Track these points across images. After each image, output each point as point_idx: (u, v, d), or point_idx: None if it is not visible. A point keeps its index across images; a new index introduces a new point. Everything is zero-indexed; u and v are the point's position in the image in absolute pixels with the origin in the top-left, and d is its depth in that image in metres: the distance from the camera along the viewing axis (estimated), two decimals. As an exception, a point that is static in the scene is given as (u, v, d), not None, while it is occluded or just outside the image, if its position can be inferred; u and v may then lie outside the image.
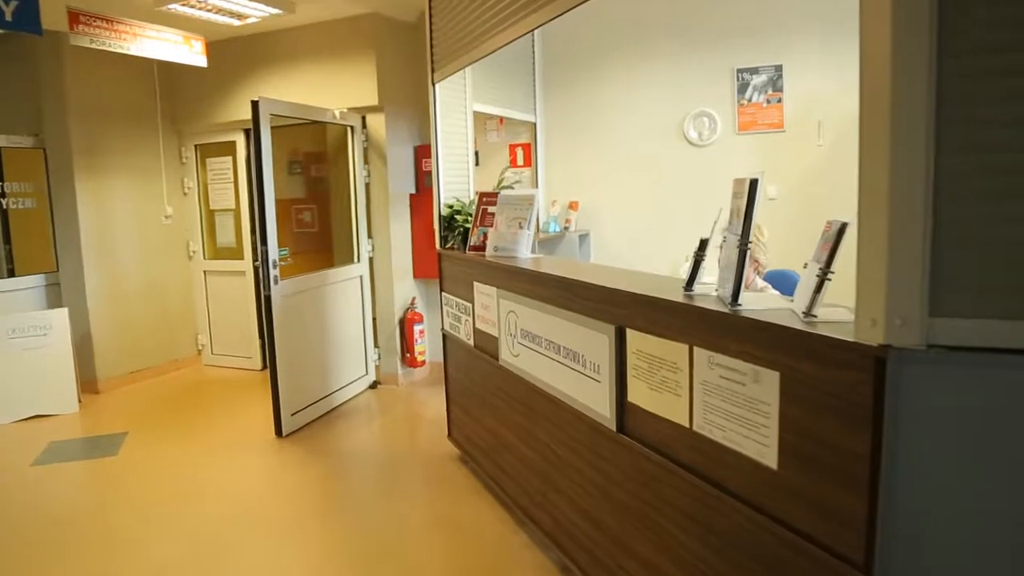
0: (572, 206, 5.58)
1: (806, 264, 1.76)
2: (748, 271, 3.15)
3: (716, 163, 5.14)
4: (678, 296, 2.05)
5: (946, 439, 1.32)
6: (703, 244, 2.11)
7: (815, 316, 1.62)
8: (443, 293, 4.15)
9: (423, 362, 5.89)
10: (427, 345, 5.94)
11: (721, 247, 3.19)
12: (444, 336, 4.21)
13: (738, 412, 1.76)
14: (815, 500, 1.56)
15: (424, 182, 5.89)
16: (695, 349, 1.92)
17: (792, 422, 1.61)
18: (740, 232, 1.81)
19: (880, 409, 1.38)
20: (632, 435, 2.25)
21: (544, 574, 2.93)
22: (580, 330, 2.47)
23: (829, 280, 1.60)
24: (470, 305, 3.71)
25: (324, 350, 5.19)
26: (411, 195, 5.85)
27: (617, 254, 5.52)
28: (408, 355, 5.80)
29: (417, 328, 5.78)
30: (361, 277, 5.69)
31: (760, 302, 1.86)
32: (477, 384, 3.71)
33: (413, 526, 3.39)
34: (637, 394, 2.20)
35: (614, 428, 2.32)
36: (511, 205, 3.50)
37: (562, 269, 2.81)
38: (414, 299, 5.87)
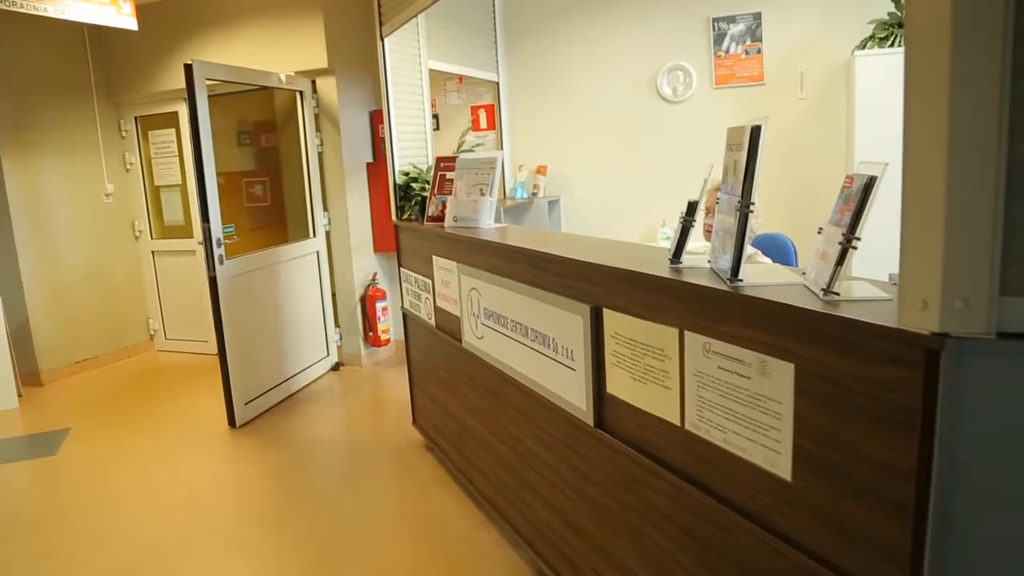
0: (540, 171, 5.23)
1: (820, 229, 1.45)
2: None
3: (692, 120, 4.81)
4: (663, 270, 1.73)
5: (1021, 454, 1.02)
6: (691, 207, 1.78)
7: (837, 294, 1.31)
8: (402, 268, 3.80)
9: (387, 341, 5.55)
10: (391, 323, 5.60)
11: (707, 211, 2.89)
12: (404, 315, 3.87)
13: (742, 411, 1.46)
14: (841, 522, 1.27)
15: (381, 150, 5.47)
16: (687, 334, 1.61)
17: (811, 426, 1.30)
18: (740, 192, 1.48)
19: (931, 414, 1.08)
20: (613, 431, 1.95)
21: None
22: (550, 310, 2.15)
23: (854, 249, 1.29)
24: (430, 282, 3.37)
25: (280, 333, 4.83)
26: (368, 164, 5.46)
27: (589, 221, 5.19)
28: (371, 334, 5.46)
29: (380, 305, 5.43)
30: (317, 253, 5.31)
31: (764, 275, 1.55)
32: (440, 368, 3.39)
33: (376, 524, 3.08)
34: (617, 384, 1.89)
35: (591, 423, 2.01)
36: (471, 170, 3.14)
37: (528, 240, 2.48)
38: (375, 275, 5.51)
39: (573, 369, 2.06)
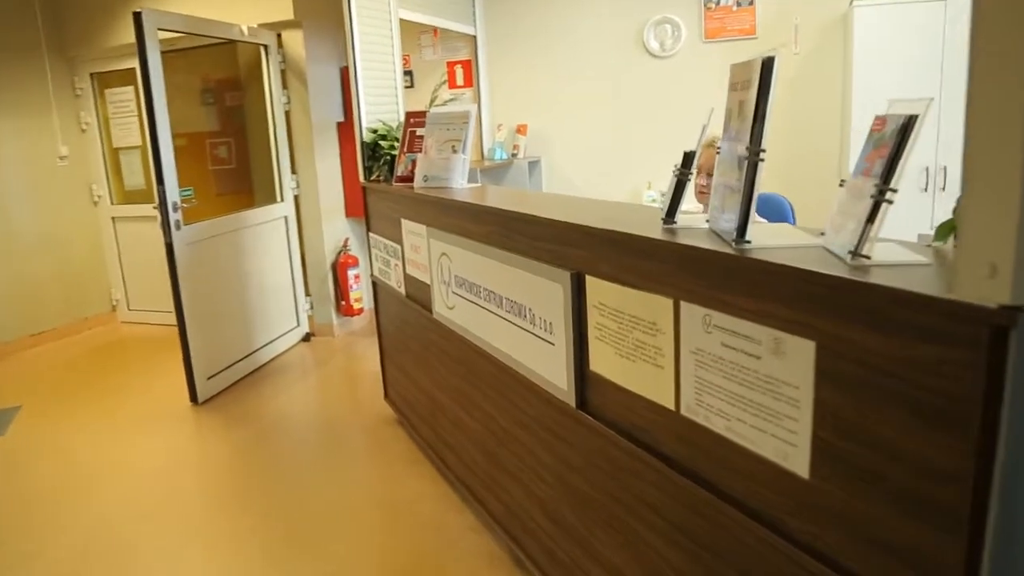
0: (520, 130, 4.95)
1: (842, 181, 1.22)
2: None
3: (680, 76, 4.54)
4: (655, 231, 1.50)
5: (1112, 456, 0.81)
6: (687, 159, 1.55)
7: (867, 258, 1.08)
8: (370, 234, 3.55)
9: (360, 310, 5.31)
10: (364, 291, 5.35)
11: (699, 171, 2.65)
12: (374, 284, 3.63)
13: (749, 396, 1.24)
14: (871, 530, 1.06)
15: (353, 108, 5.17)
16: (683, 305, 1.38)
17: (834, 415, 1.09)
18: (749, 138, 1.25)
19: (994, 405, 0.86)
20: (596, 414, 1.73)
21: (493, 564, 2.45)
22: (526, 278, 1.92)
23: (889, 203, 1.06)
24: (399, 247, 3.12)
25: (246, 302, 4.56)
26: (338, 123, 5.16)
27: (572, 182, 4.94)
28: (343, 303, 5.21)
29: (352, 273, 5.18)
30: (286, 218, 5.03)
31: (775, 237, 1.32)
32: (411, 340, 3.15)
33: (344, 506, 2.87)
34: (602, 362, 1.67)
35: (573, 403, 1.79)
36: (442, 125, 2.88)
37: (501, 200, 2.24)
38: (347, 240, 5.24)
39: (552, 344, 1.84)
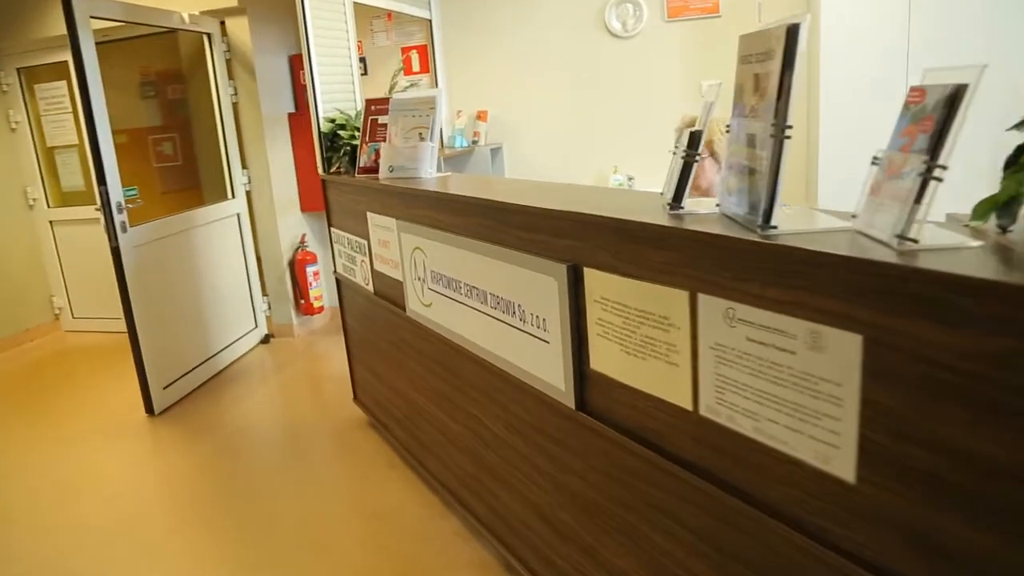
0: (480, 116, 4.81)
1: (875, 157, 1.12)
2: (715, 178, 2.53)
3: (643, 57, 4.45)
4: (662, 217, 1.39)
5: None
6: (694, 139, 1.44)
7: (914, 242, 0.99)
8: (332, 229, 3.37)
9: (321, 308, 5.11)
10: (324, 288, 5.15)
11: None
12: (338, 281, 3.46)
13: (781, 394, 1.14)
14: (929, 537, 0.97)
15: (304, 98, 4.96)
16: (701, 298, 1.27)
17: (884, 414, 1.00)
18: (773, 114, 1.14)
19: (1087, 403, 0.77)
20: (599, 415, 1.62)
21: (485, 571, 2.33)
22: (515, 272, 1.79)
23: (938, 181, 0.97)
24: (365, 243, 2.96)
25: (201, 305, 4.34)
26: (290, 115, 4.93)
27: (535, 169, 4.82)
28: (303, 302, 5.00)
29: (310, 270, 4.97)
30: (238, 215, 4.80)
31: (799, 221, 1.22)
32: (382, 339, 3.00)
33: (319, 518, 2.72)
34: (605, 360, 1.56)
35: (572, 405, 1.68)
36: (407, 112, 2.72)
37: (480, 189, 2.10)
38: (304, 236, 5.04)
39: (546, 342, 1.72)
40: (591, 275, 1.54)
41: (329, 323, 5.29)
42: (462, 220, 2.05)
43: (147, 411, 3.83)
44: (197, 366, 4.21)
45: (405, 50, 4.86)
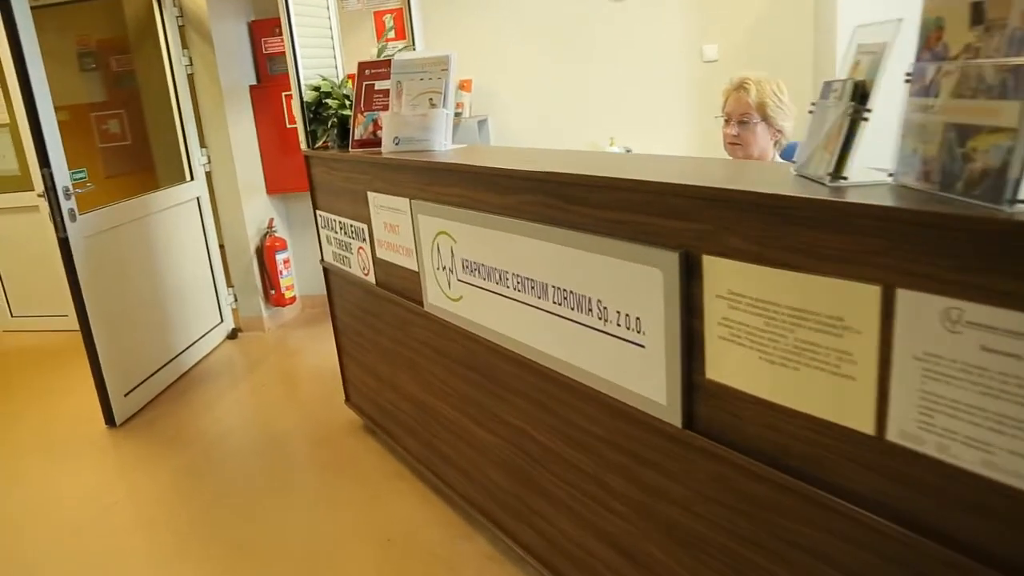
0: (464, 87, 4.42)
1: None
2: (767, 145, 2.25)
3: (639, 19, 4.13)
4: (821, 191, 1.09)
5: None
6: (861, 92, 1.12)
7: None
8: (318, 212, 2.99)
9: (293, 299, 4.70)
10: (295, 277, 4.74)
11: (728, 119, 2.25)
12: (326, 271, 3.08)
13: (1051, 423, 0.86)
14: None
15: (267, 68, 4.51)
16: (901, 294, 0.98)
17: None
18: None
19: None
20: (717, 435, 1.32)
21: (528, 603, 2.04)
22: (597, 261, 1.47)
23: None
24: (364, 227, 2.59)
25: (161, 300, 3.89)
26: (251, 87, 4.47)
27: (523, 142, 4.47)
28: (273, 292, 4.58)
29: (280, 257, 4.55)
30: (198, 199, 4.34)
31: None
32: (385, 336, 2.65)
33: (320, 541, 2.37)
34: (732, 369, 1.25)
35: (676, 421, 1.38)
36: (414, 75, 2.35)
37: (529, 161, 1.76)
38: (272, 221, 4.60)
39: (639, 346, 1.41)
40: (715, 265, 1.23)
41: (302, 314, 4.88)
42: (512, 199, 1.71)
43: (107, 422, 3.39)
44: (160, 368, 3.78)
45: (378, 15, 4.44)
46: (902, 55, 1.08)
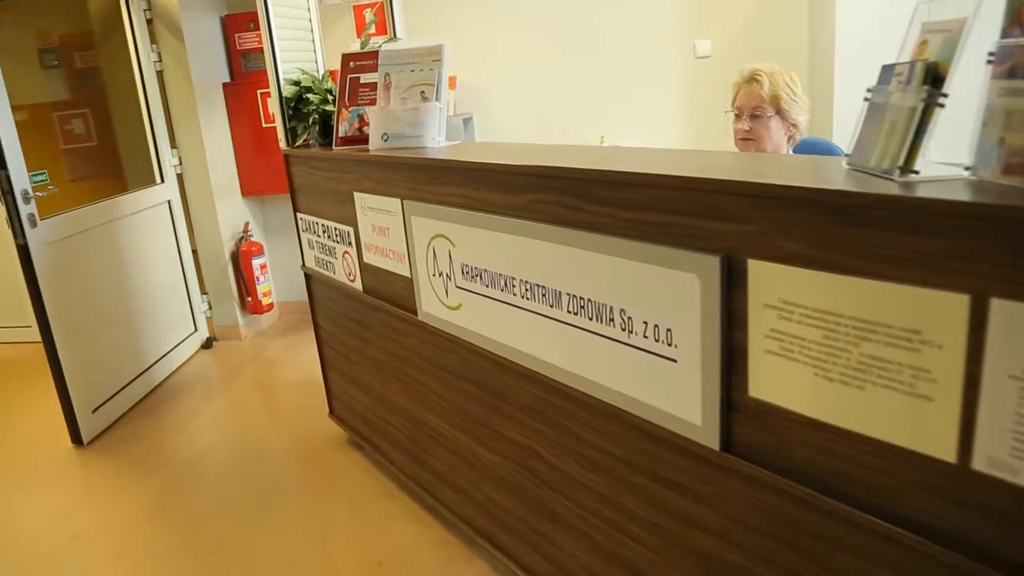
0: (448, 83, 4.27)
1: None
2: (781, 140, 2.13)
3: (629, 17, 4.01)
4: (892, 187, 0.96)
5: None
6: (932, 74, 1.00)
7: None
8: (299, 214, 2.82)
9: (270, 305, 4.51)
10: (273, 283, 4.55)
11: (739, 113, 2.12)
12: (308, 277, 2.91)
13: None
14: None
15: (241, 65, 4.32)
16: (996, 304, 0.85)
17: None
18: None
19: None
20: (761, 460, 1.19)
21: (534, 632, 1.89)
22: (623, 267, 1.33)
23: None
24: (349, 230, 2.43)
25: (130, 309, 3.68)
26: (225, 84, 4.28)
27: (510, 140, 4.33)
28: (249, 299, 4.39)
29: (257, 263, 4.36)
30: (169, 202, 4.13)
31: None
32: (374, 346, 2.49)
33: (313, 566, 2.21)
34: (781, 386, 1.12)
35: (714, 444, 1.24)
36: (403, 66, 2.20)
37: (536, 157, 1.61)
38: (247, 224, 4.41)
39: (671, 360, 1.27)
40: (763, 270, 1.10)
41: (280, 321, 4.69)
42: (521, 198, 1.56)
43: (73, 441, 3.19)
44: (131, 382, 3.57)
45: (358, 9, 4.27)
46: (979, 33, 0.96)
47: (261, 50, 4.17)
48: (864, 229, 0.96)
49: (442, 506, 2.32)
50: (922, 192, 0.92)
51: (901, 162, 1.00)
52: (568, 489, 1.68)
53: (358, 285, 2.47)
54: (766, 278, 1.10)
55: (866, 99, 1.12)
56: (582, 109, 4.20)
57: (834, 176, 1.08)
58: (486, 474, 2.01)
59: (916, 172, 0.99)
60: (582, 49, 4.10)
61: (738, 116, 2.07)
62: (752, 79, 2.03)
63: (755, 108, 2.02)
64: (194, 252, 4.29)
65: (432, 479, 2.35)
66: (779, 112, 2.02)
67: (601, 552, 1.63)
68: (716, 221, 1.15)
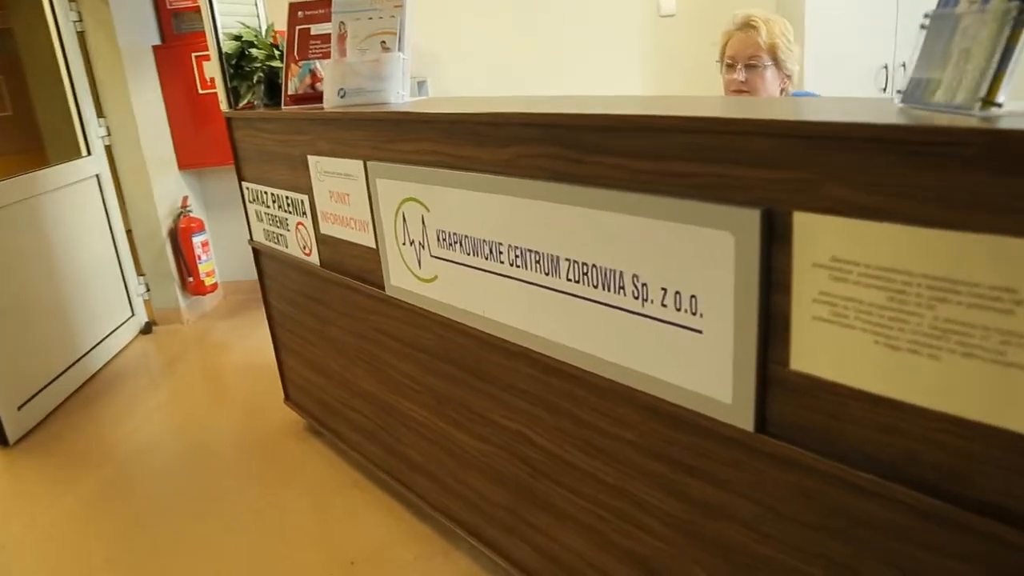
0: (399, 45, 4.02)
1: None
2: (776, 93, 1.99)
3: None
4: (971, 122, 0.81)
5: None
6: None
7: None
8: (244, 184, 2.57)
9: (214, 286, 4.22)
10: (216, 261, 4.26)
11: (731, 63, 1.98)
12: (256, 252, 2.67)
13: None
14: None
15: (173, 27, 3.98)
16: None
17: None
18: None
19: None
20: (803, 441, 1.04)
21: (523, 629, 1.74)
22: (635, 228, 1.16)
23: None
24: (303, 198, 2.21)
25: (58, 294, 3.36)
26: (155, 48, 3.93)
27: (466, 108, 4.11)
28: (191, 279, 4.10)
29: (197, 240, 4.06)
30: (98, 176, 3.79)
31: None
32: (335, 325, 2.28)
33: (266, 567, 2.02)
34: (832, 358, 0.97)
35: (747, 425, 1.09)
36: (360, 13, 1.97)
37: (519, 106, 1.42)
38: (186, 199, 4.10)
39: (695, 331, 1.11)
40: (812, 224, 0.94)
41: (223, 303, 4.41)
42: (507, 153, 1.38)
43: (-1, 440, 2.90)
44: (62, 372, 3.27)
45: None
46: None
47: (194, 10, 3.85)
48: (947, 172, 0.81)
49: (417, 496, 2.14)
50: (1011, 126, 0.77)
51: (983, 93, 0.85)
52: (567, 478, 1.52)
53: (314, 259, 2.25)
54: (816, 233, 0.94)
55: (923, 26, 0.97)
56: (540, 73, 4.01)
57: (887, 114, 0.93)
58: (468, 462, 1.84)
59: (999, 105, 0.84)
60: (540, 8, 3.89)
61: (730, 66, 1.92)
62: (747, 25, 1.88)
63: (751, 57, 1.87)
64: (128, 232, 3.97)
65: (404, 468, 2.17)
66: (775, 62, 1.87)
67: (607, 545, 1.48)
68: (755, 169, 0.99)
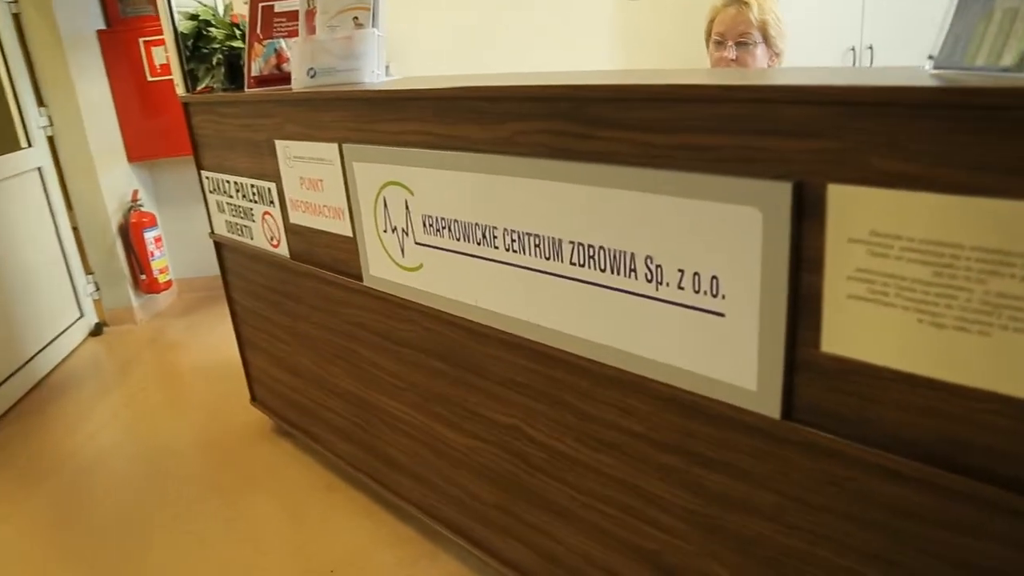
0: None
1: None
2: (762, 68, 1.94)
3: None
4: (1019, 84, 0.76)
5: None
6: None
7: None
8: (204, 173, 2.43)
9: (168, 283, 4.04)
10: (169, 258, 4.07)
11: (721, 40, 1.92)
12: (218, 245, 2.53)
13: None
14: None
15: (119, 10, 3.77)
16: None
17: None
18: None
19: None
20: (836, 429, 0.99)
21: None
22: (650, 206, 1.09)
23: None
24: (271, 186, 2.09)
25: (1, 296, 3.16)
26: (100, 32, 3.73)
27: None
28: (143, 277, 3.91)
29: (150, 236, 3.88)
30: (40, 169, 3.58)
31: None
32: (306, 321, 2.17)
33: (249, 593, 1.90)
34: (870, 338, 0.92)
35: (773, 413, 1.03)
36: (330, -10, 1.86)
37: (529, 79, 1.34)
38: (136, 193, 3.91)
39: (718, 314, 1.05)
40: (849, 197, 0.88)
41: (178, 301, 4.23)
42: (503, 130, 1.29)
43: (-61, 451, 2.70)
44: (7, 378, 3.08)
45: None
46: None
47: (141, -8, 3.66)
48: (1000, 137, 0.76)
49: (399, 497, 2.05)
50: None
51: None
52: (569, 474, 1.45)
53: (283, 251, 2.14)
54: (853, 206, 0.89)
55: (958, -20, 0.92)
56: (504, 60, 3.92)
57: (919, 79, 0.88)
58: (457, 461, 1.76)
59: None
60: (505, -8, 3.81)
61: (719, 43, 1.86)
62: (739, 1, 1.82)
63: (742, 34, 1.82)
64: (75, 229, 3.76)
65: (383, 467, 2.08)
66: (766, 39, 1.83)
67: (612, 542, 1.41)
68: (785, 139, 0.93)
